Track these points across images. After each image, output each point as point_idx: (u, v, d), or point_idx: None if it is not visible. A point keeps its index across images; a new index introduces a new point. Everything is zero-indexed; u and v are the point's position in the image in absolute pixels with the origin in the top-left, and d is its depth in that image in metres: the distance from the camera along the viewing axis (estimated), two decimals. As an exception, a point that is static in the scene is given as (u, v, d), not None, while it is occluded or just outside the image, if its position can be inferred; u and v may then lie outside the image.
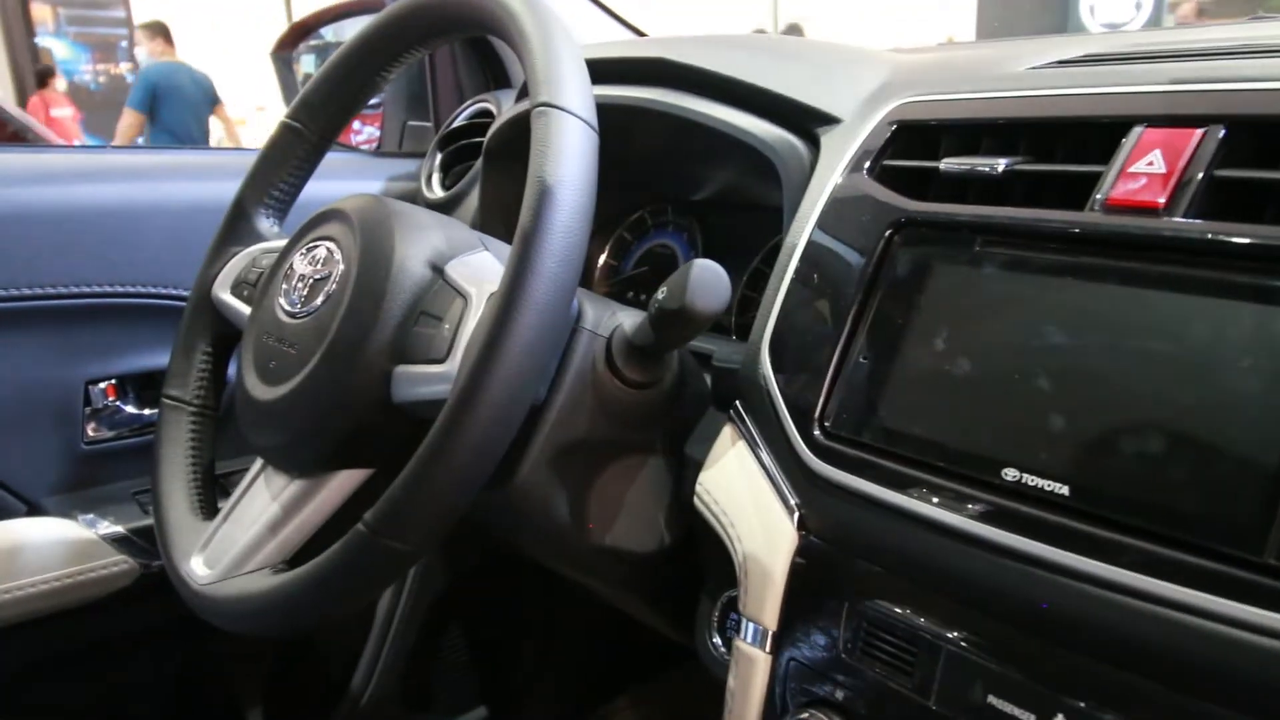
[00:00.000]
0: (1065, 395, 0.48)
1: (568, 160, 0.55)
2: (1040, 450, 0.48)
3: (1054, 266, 0.51)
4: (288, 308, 0.68)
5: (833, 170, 0.65)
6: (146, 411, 1.04)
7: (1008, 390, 0.51)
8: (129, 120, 4.86)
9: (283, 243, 0.81)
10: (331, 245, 0.68)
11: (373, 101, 1.83)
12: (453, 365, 0.57)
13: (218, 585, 0.65)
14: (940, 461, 0.52)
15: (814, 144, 0.70)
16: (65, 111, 6.09)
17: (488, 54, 1.24)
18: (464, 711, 1.35)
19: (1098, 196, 0.50)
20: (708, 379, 0.76)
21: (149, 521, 0.99)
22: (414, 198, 1.18)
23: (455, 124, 1.15)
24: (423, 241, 0.65)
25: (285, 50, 1.46)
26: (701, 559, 0.76)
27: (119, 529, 0.97)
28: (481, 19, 0.66)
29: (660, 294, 0.60)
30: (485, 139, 1.02)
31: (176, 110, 4.95)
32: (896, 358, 0.56)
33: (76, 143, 5.32)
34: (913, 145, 0.63)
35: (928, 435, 0.53)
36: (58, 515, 0.97)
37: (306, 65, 1.57)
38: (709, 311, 0.58)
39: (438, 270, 0.64)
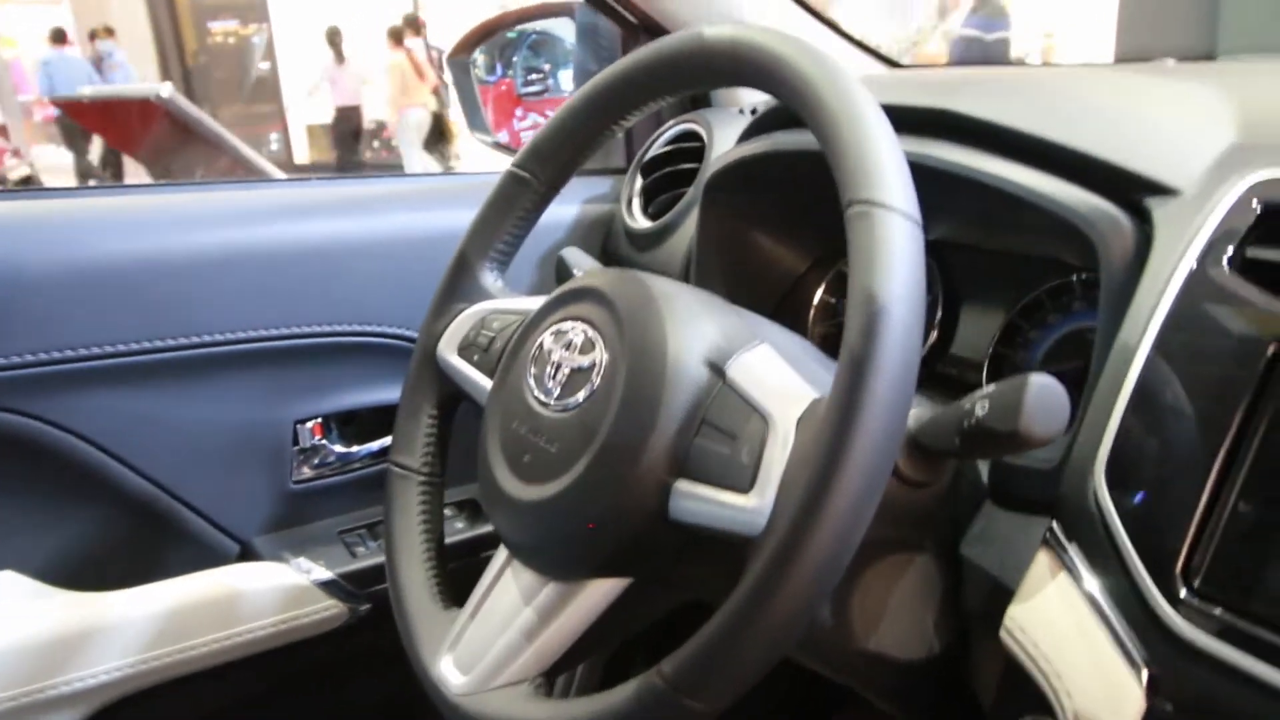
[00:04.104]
0: None
1: (899, 272, 0.48)
2: None
3: None
4: (541, 397, 0.63)
5: (1177, 256, 0.55)
6: (353, 449, 1.03)
7: None
8: None
9: (510, 303, 0.76)
10: (588, 330, 0.62)
11: (537, 89, 1.80)
12: (761, 501, 0.50)
13: (476, 699, 0.61)
14: (1364, 650, 0.43)
15: (1140, 217, 0.61)
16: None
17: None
18: None
19: None
20: (982, 467, 0.68)
21: (357, 565, 0.99)
22: (612, 221, 1.12)
23: (659, 148, 1.08)
24: (696, 334, 0.58)
25: (463, 54, 1.42)
26: (976, 672, 0.69)
27: (329, 574, 0.96)
28: (764, 79, 0.58)
29: (980, 407, 0.52)
30: (705, 172, 0.96)
31: None
32: (1294, 510, 0.47)
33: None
34: (1278, 232, 0.53)
35: (1345, 615, 0.44)
36: (268, 554, 0.97)
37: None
38: (1046, 438, 0.50)
39: (717, 370, 0.57)
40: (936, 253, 0.92)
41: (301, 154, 11.01)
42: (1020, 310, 0.83)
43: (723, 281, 0.96)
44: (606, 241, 1.12)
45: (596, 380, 0.59)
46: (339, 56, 8.86)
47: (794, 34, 0.58)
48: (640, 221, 1.06)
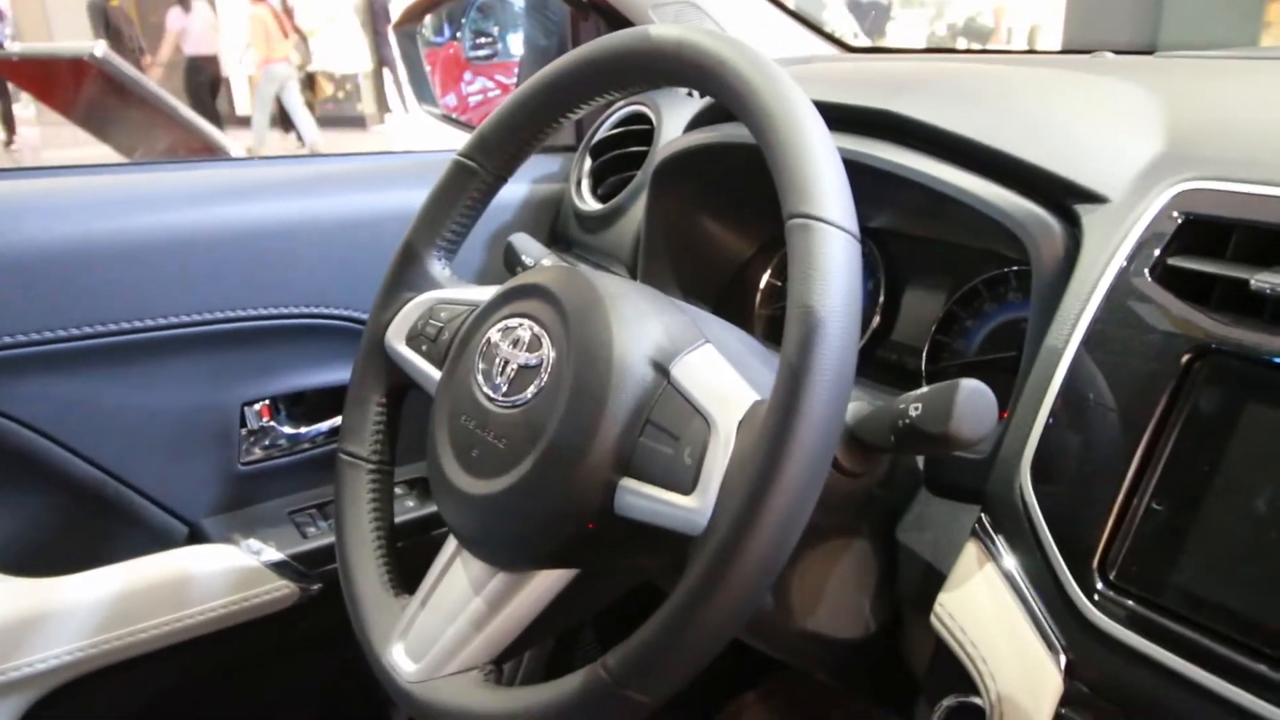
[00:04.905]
0: None
1: (836, 286, 0.49)
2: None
3: None
4: (489, 392, 0.64)
5: (1103, 263, 0.58)
6: (302, 430, 1.03)
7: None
8: None
9: (459, 293, 0.77)
10: (535, 328, 0.63)
11: (486, 53, 1.77)
12: (702, 502, 0.52)
13: (427, 686, 0.63)
14: (1258, 643, 0.46)
15: (1071, 222, 0.63)
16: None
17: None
18: None
19: None
20: (919, 458, 0.71)
21: (308, 546, 0.99)
22: (561, 201, 1.13)
23: (607, 130, 1.08)
24: (642, 334, 0.60)
25: (411, 24, 1.40)
26: (910, 650, 0.72)
27: (279, 555, 0.97)
28: (707, 83, 0.59)
29: (914, 409, 0.54)
30: (653, 157, 0.96)
31: None
32: (1201, 511, 0.50)
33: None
34: (1198, 242, 0.56)
35: (1241, 609, 0.47)
36: (216, 536, 0.98)
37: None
38: (974, 440, 0.53)
39: (661, 370, 0.59)
40: (879, 240, 0.94)
41: (243, 105, 10.71)
42: (958, 299, 0.86)
43: (671, 265, 0.97)
44: (555, 222, 1.13)
45: (544, 378, 0.61)
46: (184, 5, 8.59)
47: (741, 36, 0.59)
48: (589, 203, 1.06)
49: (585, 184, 1.09)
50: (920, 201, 0.80)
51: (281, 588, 0.97)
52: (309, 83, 8.62)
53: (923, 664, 0.70)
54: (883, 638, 0.71)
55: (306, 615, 1.00)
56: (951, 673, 0.61)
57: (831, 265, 0.50)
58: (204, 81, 8.66)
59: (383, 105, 10.90)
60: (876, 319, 0.93)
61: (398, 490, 1.07)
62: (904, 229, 0.90)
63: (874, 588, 0.70)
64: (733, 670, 1.44)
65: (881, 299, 0.94)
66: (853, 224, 0.52)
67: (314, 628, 1.04)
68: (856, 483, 0.63)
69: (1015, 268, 0.81)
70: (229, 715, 1.07)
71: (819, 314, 0.49)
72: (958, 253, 0.87)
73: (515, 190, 1.12)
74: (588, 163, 1.09)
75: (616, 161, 1.06)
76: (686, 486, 0.53)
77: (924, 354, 0.87)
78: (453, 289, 0.77)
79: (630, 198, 1.01)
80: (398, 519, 0.99)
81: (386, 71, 10.52)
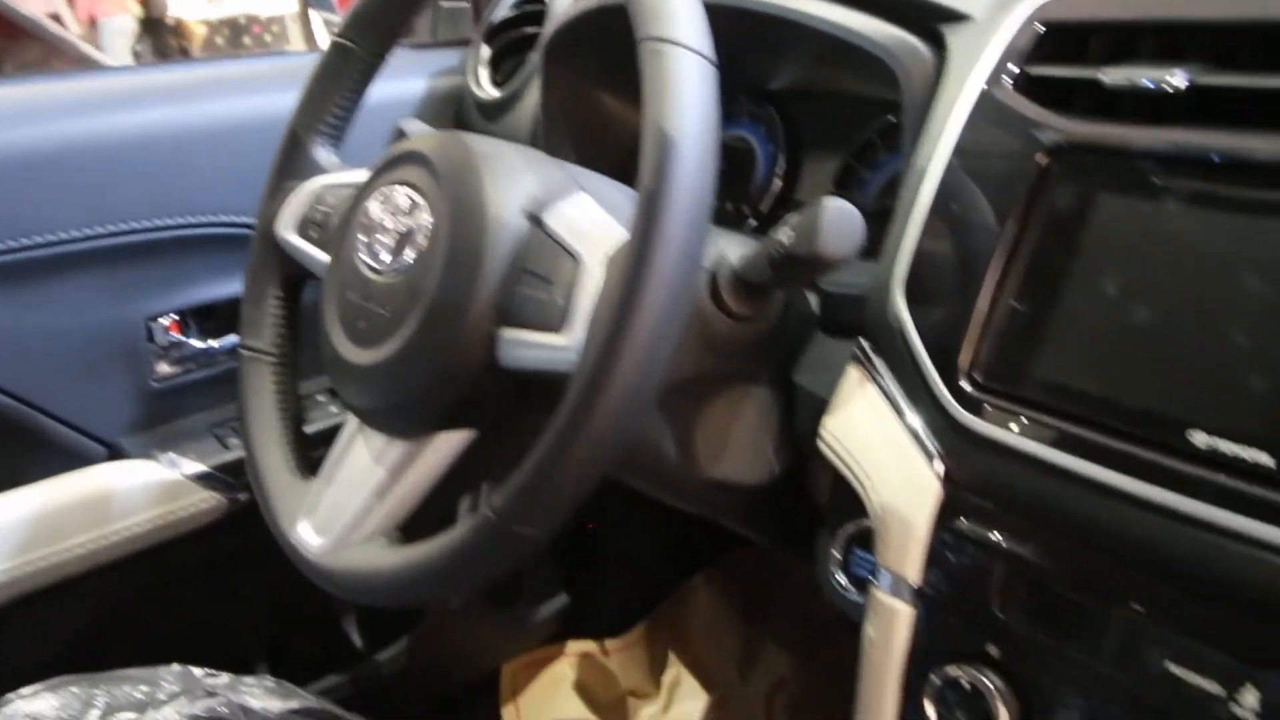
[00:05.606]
0: (1267, 351, 0.44)
1: (690, 107, 0.49)
2: (1235, 412, 0.44)
3: (1253, 203, 0.45)
4: (371, 263, 0.63)
5: (966, 79, 0.58)
6: (213, 344, 1.01)
7: (1196, 344, 0.46)
8: None
9: (345, 176, 0.75)
10: (412, 193, 0.62)
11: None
12: (571, 338, 0.53)
13: (334, 555, 0.64)
14: (1114, 421, 0.48)
15: (938, 44, 0.63)
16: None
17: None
18: (547, 599, 1.38)
19: None
20: (812, 299, 0.72)
21: (230, 456, 0.98)
22: (462, 95, 1.10)
23: (502, 14, 1.06)
24: (515, 188, 0.59)
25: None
26: (813, 487, 0.74)
27: (202, 466, 0.96)
28: None
29: (785, 236, 0.55)
30: (544, 36, 0.94)
31: None
32: (1058, 304, 0.51)
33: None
34: (1059, 49, 0.56)
35: (1098, 392, 0.49)
36: (137, 455, 0.96)
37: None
38: (842, 257, 0.53)
39: (535, 220, 0.58)
40: (779, 104, 0.94)
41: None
42: (855, 153, 0.86)
43: (571, 143, 0.96)
44: (458, 116, 1.10)
45: (422, 242, 0.60)
46: None
47: None
48: (488, 91, 1.04)
49: (483, 72, 1.07)
50: (806, 51, 0.80)
51: (208, 499, 0.96)
52: (153, 28, 8.09)
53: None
54: (787, 480, 0.72)
55: (240, 526, 1.00)
56: (846, 499, 0.62)
57: (684, 87, 0.49)
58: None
59: (312, 44, 10.57)
60: (779, 183, 0.93)
61: (320, 398, 1.06)
62: (799, 86, 0.90)
63: (775, 431, 0.71)
64: (680, 554, 1.47)
65: (784, 165, 0.93)
66: (707, 47, 0.51)
67: (249, 539, 1.03)
68: (749, 327, 0.64)
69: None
70: (176, 631, 1.07)
71: (672, 137, 0.48)
72: (856, 106, 0.86)
73: (415, 86, 1.09)
74: (484, 50, 1.07)
75: (514, 45, 1.04)
76: (558, 325, 0.54)
77: None
78: (339, 174, 0.76)
79: (527, 81, 0.99)
80: (317, 426, 0.98)
81: (314, 12, 10.19)
